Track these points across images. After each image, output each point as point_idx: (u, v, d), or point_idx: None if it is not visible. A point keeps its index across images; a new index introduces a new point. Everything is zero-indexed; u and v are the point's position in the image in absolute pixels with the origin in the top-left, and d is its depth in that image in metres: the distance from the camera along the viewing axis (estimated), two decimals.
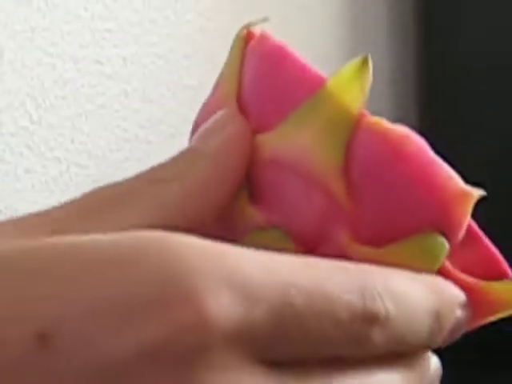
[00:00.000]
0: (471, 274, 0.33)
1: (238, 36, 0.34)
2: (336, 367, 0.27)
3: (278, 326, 0.25)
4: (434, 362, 0.32)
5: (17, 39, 1.43)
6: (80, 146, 1.59)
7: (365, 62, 0.31)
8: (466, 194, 0.30)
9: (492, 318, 0.33)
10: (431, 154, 0.31)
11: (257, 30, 0.35)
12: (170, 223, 0.30)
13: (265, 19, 0.34)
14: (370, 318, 0.27)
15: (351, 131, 0.31)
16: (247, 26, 0.35)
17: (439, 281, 0.31)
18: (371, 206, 0.31)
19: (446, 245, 0.31)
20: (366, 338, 0.27)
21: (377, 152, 0.30)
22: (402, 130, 0.31)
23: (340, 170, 0.31)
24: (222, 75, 0.35)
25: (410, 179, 0.30)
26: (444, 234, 0.31)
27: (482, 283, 0.32)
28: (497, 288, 0.32)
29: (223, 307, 0.24)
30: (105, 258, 0.24)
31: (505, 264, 0.33)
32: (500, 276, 0.33)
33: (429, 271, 0.31)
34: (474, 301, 0.32)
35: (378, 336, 0.27)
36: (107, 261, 0.24)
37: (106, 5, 1.62)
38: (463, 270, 0.33)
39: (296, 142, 0.31)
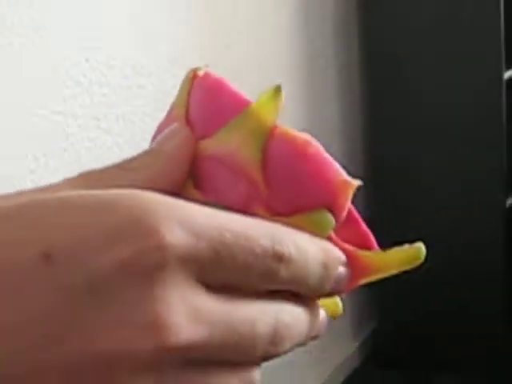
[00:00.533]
0: (351, 245, 0.38)
1: (186, 76, 0.40)
2: (255, 295, 0.32)
3: (214, 256, 0.30)
4: (322, 313, 0.37)
5: (26, 102, 1.56)
6: None
7: (278, 89, 0.37)
8: (347, 184, 0.36)
9: (366, 280, 0.38)
10: (325, 154, 0.36)
11: (201, 72, 0.40)
12: None
13: (206, 65, 0.41)
14: (278, 256, 0.32)
15: (267, 137, 0.36)
16: (194, 70, 0.40)
17: (327, 244, 0.36)
18: (281, 190, 0.36)
19: (333, 220, 0.36)
20: (274, 272, 0.32)
21: (285, 152, 0.36)
22: (304, 136, 0.36)
23: (259, 164, 0.36)
24: (174, 103, 0.40)
25: (309, 172, 0.35)
26: (332, 212, 0.36)
27: (359, 251, 0.37)
28: (369, 256, 0.37)
29: (176, 238, 0.28)
30: (93, 204, 0.29)
31: (373, 240, 0.40)
32: (370, 249, 0.39)
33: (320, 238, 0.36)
34: (353, 264, 0.37)
35: (283, 272, 0.32)
36: (94, 206, 0.29)
37: (102, 72, 1.74)
38: (345, 242, 0.38)
39: (228, 144, 0.36)
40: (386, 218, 2.79)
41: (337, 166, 0.36)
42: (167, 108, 1.95)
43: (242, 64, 2.27)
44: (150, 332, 0.28)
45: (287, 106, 2.48)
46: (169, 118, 0.39)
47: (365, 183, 2.85)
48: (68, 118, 1.66)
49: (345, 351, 2.97)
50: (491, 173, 2.56)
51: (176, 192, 0.37)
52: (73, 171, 1.67)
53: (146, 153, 0.37)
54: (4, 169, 1.51)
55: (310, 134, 2.55)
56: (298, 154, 0.35)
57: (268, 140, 0.36)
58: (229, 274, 0.31)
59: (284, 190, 0.36)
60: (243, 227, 0.31)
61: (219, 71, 2.14)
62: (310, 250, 0.34)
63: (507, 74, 2.55)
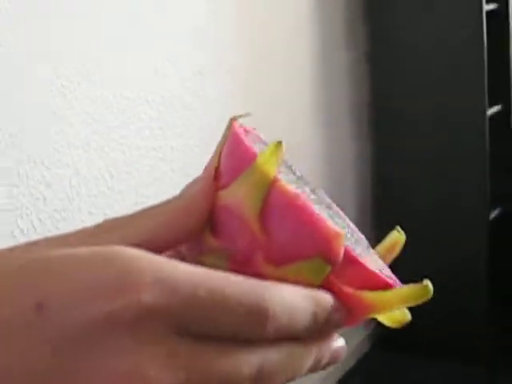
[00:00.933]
0: (354, 286, 0.36)
1: (227, 124, 0.40)
2: (241, 344, 0.31)
3: (187, 312, 0.30)
4: (339, 342, 0.37)
5: (98, 135, 1.75)
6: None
7: (278, 145, 0.36)
8: (338, 234, 0.34)
9: (372, 316, 0.37)
10: (314, 207, 0.35)
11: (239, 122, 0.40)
12: (154, 242, 0.36)
13: (247, 114, 0.40)
14: (261, 314, 0.31)
15: (267, 189, 0.35)
16: (232, 118, 0.40)
17: (317, 293, 0.34)
18: (277, 239, 0.35)
19: (327, 266, 0.35)
20: (259, 328, 0.31)
21: (280, 203, 0.35)
22: (295, 190, 0.35)
23: (258, 214, 0.35)
24: (215, 149, 0.40)
25: (301, 222, 0.35)
26: (326, 260, 0.35)
27: (361, 292, 0.36)
28: (371, 296, 0.36)
29: (151, 295, 0.29)
30: (86, 261, 0.30)
31: (381, 277, 0.37)
32: (379, 286, 0.37)
33: (314, 284, 0.35)
34: (355, 305, 0.36)
35: (269, 327, 0.31)
36: (86, 263, 0.30)
37: (160, 111, 1.92)
38: (348, 284, 0.36)
39: (236, 195, 0.36)
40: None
41: (325, 217, 0.36)
42: (211, 141, 2.11)
43: (273, 111, 2.46)
44: (128, 380, 0.28)
45: (309, 153, 2.67)
46: (208, 166, 0.40)
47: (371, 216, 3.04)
48: (132, 149, 1.84)
49: (356, 338, 3.08)
50: (477, 191, 2.76)
51: (195, 236, 0.37)
52: (136, 191, 1.84)
53: (167, 200, 0.37)
54: (84, 187, 1.72)
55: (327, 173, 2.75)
56: (289, 204, 0.35)
57: (269, 192, 0.35)
58: (207, 328, 0.30)
59: (280, 238, 0.35)
60: (223, 285, 0.31)
61: (259, 116, 2.32)
62: (298, 303, 0.33)
63: (490, 111, 2.76)
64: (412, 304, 0.36)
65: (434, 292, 2.82)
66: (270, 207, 0.35)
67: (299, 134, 2.61)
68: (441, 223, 2.87)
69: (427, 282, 0.35)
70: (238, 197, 0.36)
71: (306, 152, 2.67)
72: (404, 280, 2.92)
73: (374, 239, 3.01)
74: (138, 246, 0.35)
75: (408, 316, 0.39)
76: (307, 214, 0.35)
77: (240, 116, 0.40)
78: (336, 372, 2.92)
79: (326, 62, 2.75)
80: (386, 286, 0.37)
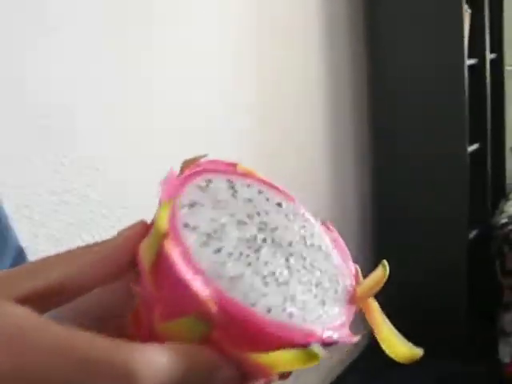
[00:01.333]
0: (249, 344, 0.34)
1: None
2: None
3: (44, 375, 0.29)
4: None
5: (143, 167, 1.99)
6: None
7: (169, 202, 0.36)
8: (205, 298, 0.33)
9: (273, 376, 0.35)
10: (187, 263, 0.35)
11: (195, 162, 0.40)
12: (82, 277, 0.34)
13: (203, 156, 0.40)
14: (129, 378, 0.29)
15: (160, 244, 0.34)
16: (183, 163, 0.40)
17: (193, 349, 0.33)
18: (164, 294, 0.35)
19: (202, 325, 0.33)
20: None
21: (165, 260, 0.34)
22: (167, 246, 0.34)
23: (151, 268, 0.35)
24: None
25: (178, 280, 0.34)
26: (199, 319, 0.33)
27: (244, 353, 0.34)
28: (257, 357, 0.33)
29: (7, 359, 0.29)
30: None
31: (279, 336, 0.34)
32: (277, 345, 0.34)
33: (195, 341, 0.33)
34: (246, 364, 0.34)
35: None
36: None
37: (182, 147, 2.14)
38: (240, 343, 0.34)
39: (143, 246, 0.36)
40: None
41: (196, 278, 0.34)
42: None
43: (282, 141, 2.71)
44: None
45: (318, 194, 2.89)
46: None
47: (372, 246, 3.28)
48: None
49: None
50: (458, 214, 3.02)
51: (122, 274, 0.37)
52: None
53: (107, 239, 0.37)
54: (134, 207, 1.92)
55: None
56: (170, 262, 0.34)
57: (161, 246, 0.35)
58: None
59: (166, 293, 0.35)
60: (85, 349, 0.30)
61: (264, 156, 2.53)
62: (166, 362, 0.31)
63: (470, 148, 3.07)
64: (302, 367, 0.34)
65: (416, 302, 3.09)
66: (160, 262, 0.35)
67: (308, 159, 2.82)
68: (428, 242, 3.13)
69: (314, 347, 0.34)
70: (143, 248, 0.36)
71: (313, 176, 2.89)
72: (388, 297, 3.02)
73: (371, 252, 3.27)
74: (67, 281, 0.35)
75: (416, 352, 0.38)
76: (181, 274, 0.34)
77: (197, 158, 0.40)
78: (332, 371, 3.07)
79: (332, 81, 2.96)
80: (286, 345, 0.34)
